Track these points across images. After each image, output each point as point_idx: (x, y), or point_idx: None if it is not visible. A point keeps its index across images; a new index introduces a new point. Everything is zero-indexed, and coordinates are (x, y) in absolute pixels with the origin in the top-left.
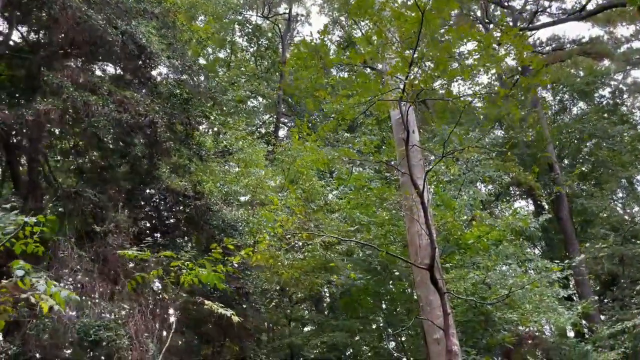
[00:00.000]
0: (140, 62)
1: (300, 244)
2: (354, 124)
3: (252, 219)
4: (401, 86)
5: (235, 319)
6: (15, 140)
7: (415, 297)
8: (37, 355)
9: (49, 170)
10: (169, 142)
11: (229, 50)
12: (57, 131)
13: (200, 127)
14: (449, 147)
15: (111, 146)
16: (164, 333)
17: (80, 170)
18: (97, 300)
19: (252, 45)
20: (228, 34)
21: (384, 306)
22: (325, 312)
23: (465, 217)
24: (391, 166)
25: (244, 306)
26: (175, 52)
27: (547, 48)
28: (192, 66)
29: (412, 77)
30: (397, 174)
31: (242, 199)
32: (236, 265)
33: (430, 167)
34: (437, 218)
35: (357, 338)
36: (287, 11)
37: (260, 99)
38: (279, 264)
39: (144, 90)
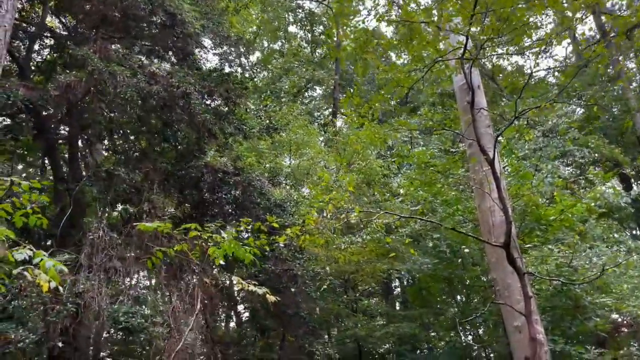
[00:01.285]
0: (174, 35)
1: (358, 225)
2: (411, 101)
3: (303, 200)
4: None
5: (272, 298)
6: (52, 124)
7: (492, 282)
8: (60, 344)
9: (88, 152)
10: (205, 114)
11: (283, 41)
12: (90, 111)
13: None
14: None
15: (142, 121)
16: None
17: (115, 151)
18: (131, 285)
19: (306, 32)
20: (281, 22)
21: (458, 297)
22: (397, 306)
23: (545, 197)
24: (456, 133)
25: (293, 290)
26: (210, 20)
27: (626, 12)
28: (231, 36)
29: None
30: (464, 146)
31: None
32: (282, 245)
33: (502, 129)
34: (511, 192)
35: (432, 333)
36: None
37: (318, 90)
38: (334, 246)
39: (185, 69)
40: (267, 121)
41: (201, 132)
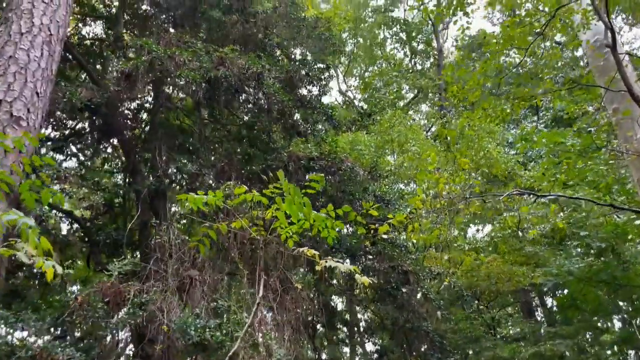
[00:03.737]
0: (248, 29)
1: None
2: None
3: (409, 194)
4: None
5: (365, 280)
6: (122, 126)
7: None
8: None
9: (158, 152)
10: (277, 95)
11: (380, 61)
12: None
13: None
14: None
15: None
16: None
17: (186, 149)
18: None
19: (402, 45)
20: (375, 39)
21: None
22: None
23: None
24: (594, 86)
25: (404, 290)
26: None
27: None
28: (307, 18)
29: None
30: (606, 115)
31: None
32: (386, 238)
33: None
34: None
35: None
36: None
37: (424, 107)
38: (455, 245)
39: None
40: (360, 110)
41: (280, 119)
